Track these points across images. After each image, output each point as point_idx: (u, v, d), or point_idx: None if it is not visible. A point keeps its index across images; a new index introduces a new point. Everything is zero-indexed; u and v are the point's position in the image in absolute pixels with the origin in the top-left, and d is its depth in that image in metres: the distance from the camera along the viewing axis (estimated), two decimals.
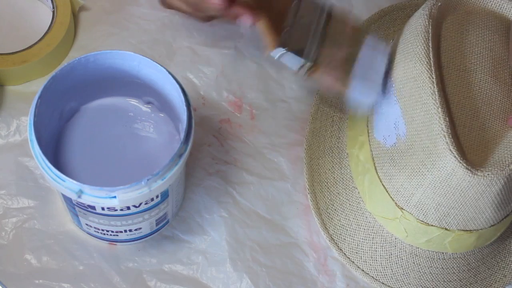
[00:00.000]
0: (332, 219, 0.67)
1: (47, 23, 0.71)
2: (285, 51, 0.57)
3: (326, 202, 0.68)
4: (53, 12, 0.71)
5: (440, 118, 0.57)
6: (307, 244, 0.67)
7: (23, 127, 0.69)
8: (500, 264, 0.67)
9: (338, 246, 0.67)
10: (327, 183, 0.69)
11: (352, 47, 0.61)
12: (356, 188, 0.67)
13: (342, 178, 0.68)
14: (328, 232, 0.67)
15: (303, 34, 0.58)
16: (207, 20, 0.62)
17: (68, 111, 0.62)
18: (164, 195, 0.58)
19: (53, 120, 0.60)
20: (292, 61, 0.57)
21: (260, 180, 0.69)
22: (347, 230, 0.67)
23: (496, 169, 0.56)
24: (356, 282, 0.66)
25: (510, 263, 0.68)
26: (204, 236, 0.66)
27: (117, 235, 0.62)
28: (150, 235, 0.64)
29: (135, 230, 0.61)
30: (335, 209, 0.67)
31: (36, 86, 0.70)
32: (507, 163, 0.57)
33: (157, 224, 0.63)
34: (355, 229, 0.66)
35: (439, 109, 0.57)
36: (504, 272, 0.67)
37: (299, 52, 0.58)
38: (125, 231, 0.61)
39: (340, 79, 0.60)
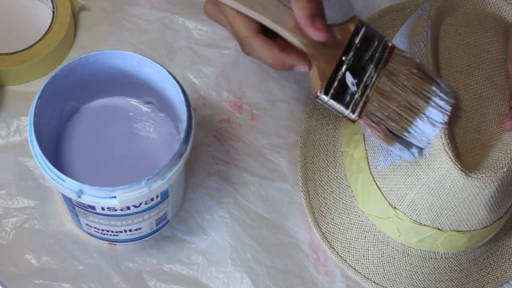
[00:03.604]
0: (325, 217, 0.67)
1: (47, 23, 0.71)
2: (330, 98, 0.53)
3: (319, 200, 0.68)
4: (53, 12, 0.71)
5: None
6: (307, 244, 0.67)
7: (23, 127, 0.69)
8: (492, 266, 0.67)
9: (331, 245, 0.67)
10: (321, 181, 0.69)
11: (415, 95, 0.56)
12: (350, 187, 0.67)
13: (336, 177, 0.68)
14: (321, 230, 0.67)
15: (356, 76, 0.54)
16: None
17: (68, 111, 0.62)
18: (164, 195, 0.58)
19: (53, 120, 0.60)
20: (336, 110, 0.54)
21: (260, 180, 0.69)
22: (339, 228, 0.67)
23: (490, 172, 0.56)
24: (356, 283, 0.66)
25: (502, 264, 0.68)
26: (204, 236, 0.66)
27: (117, 235, 0.62)
28: (150, 235, 0.64)
29: (135, 230, 0.61)
30: (328, 208, 0.67)
31: (36, 86, 0.70)
32: (501, 165, 0.57)
33: (157, 224, 0.63)
34: (348, 228, 0.66)
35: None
36: (496, 273, 0.67)
37: (344, 101, 0.53)
38: (125, 231, 0.61)
39: (384, 133, 0.55)
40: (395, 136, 0.55)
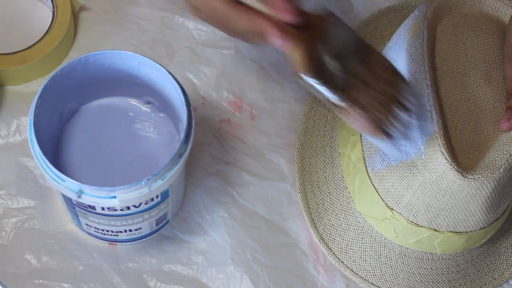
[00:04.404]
0: (322, 218, 0.67)
1: (47, 23, 0.71)
2: (313, 78, 0.51)
3: (316, 202, 0.68)
4: (53, 12, 0.71)
5: (433, 120, 0.57)
6: (307, 244, 0.67)
7: (23, 127, 0.69)
8: (490, 267, 0.67)
9: (328, 246, 0.67)
10: (318, 182, 0.69)
11: (390, 89, 0.54)
12: (347, 188, 0.67)
13: (333, 178, 0.68)
14: (318, 232, 0.67)
15: (336, 61, 0.52)
16: (244, 40, 0.56)
17: (68, 111, 0.62)
18: (164, 195, 0.58)
19: (53, 120, 0.60)
20: (319, 92, 0.52)
21: (260, 180, 0.69)
22: (337, 229, 0.67)
23: (486, 173, 0.57)
24: (356, 283, 0.66)
25: (499, 265, 0.67)
26: (204, 236, 0.66)
27: (117, 235, 0.62)
28: (150, 235, 0.64)
29: (135, 230, 0.61)
30: (326, 209, 0.67)
31: (36, 86, 0.70)
32: (497, 166, 0.57)
33: (157, 224, 0.63)
34: (345, 229, 0.66)
35: (433, 111, 0.57)
36: (493, 274, 0.67)
37: (329, 85, 0.52)
38: (125, 231, 0.61)
39: (373, 121, 0.53)
40: (379, 127, 0.53)
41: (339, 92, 0.52)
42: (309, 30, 0.52)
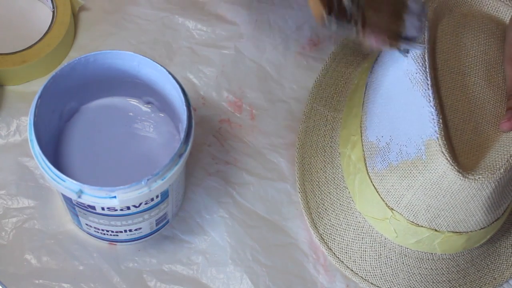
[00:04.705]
0: (322, 218, 0.67)
1: (47, 23, 0.71)
2: (334, 18, 0.57)
3: (316, 201, 0.68)
4: (53, 12, 0.71)
5: (434, 120, 0.57)
6: (307, 244, 0.67)
7: (23, 127, 0.69)
8: (490, 267, 0.67)
9: (328, 246, 0.67)
10: (318, 182, 0.69)
11: (395, 4, 0.61)
12: (347, 188, 0.67)
13: (334, 178, 0.68)
14: (318, 232, 0.67)
15: (349, 3, 0.58)
16: None
17: (68, 111, 0.62)
18: (164, 195, 0.58)
19: (53, 120, 0.60)
20: (342, 30, 0.58)
21: (260, 180, 0.69)
22: (337, 229, 0.67)
23: (487, 173, 0.56)
24: (356, 283, 0.66)
25: (500, 265, 0.67)
26: (204, 236, 0.66)
27: (117, 235, 0.62)
28: (150, 235, 0.64)
29: (135, 230, 0.61)
30: (326, 209, 0.67)
31: (36, 86, 0.70)
32: (498, 167, 0.57)
33: (157, 224, 0.63)
34: (345, 229, 0.66)
35: (433, 111, 0.57)
36: (494, 274, 0.67)
37: (346, 18, 0.58)
38: (125, 231, 0.61)
39: (389, 36, 0.60)
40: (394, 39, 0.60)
41: (354, 22, 0.58)
42: None
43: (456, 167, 0.56)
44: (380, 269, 0.65)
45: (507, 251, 0.68)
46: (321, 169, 0.69)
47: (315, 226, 0.67)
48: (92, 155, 0.61)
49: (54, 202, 0.66)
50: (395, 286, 0.65)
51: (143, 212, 0.58)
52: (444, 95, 0.61)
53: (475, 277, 0.66)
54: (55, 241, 0.65)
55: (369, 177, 0.63)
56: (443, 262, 0.65)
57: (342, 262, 0.66)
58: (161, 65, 0.58)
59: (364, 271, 0.66)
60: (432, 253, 0.64)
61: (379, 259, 0.65)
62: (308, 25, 0.76)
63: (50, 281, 0.63)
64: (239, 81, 0.73)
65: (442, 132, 0.57)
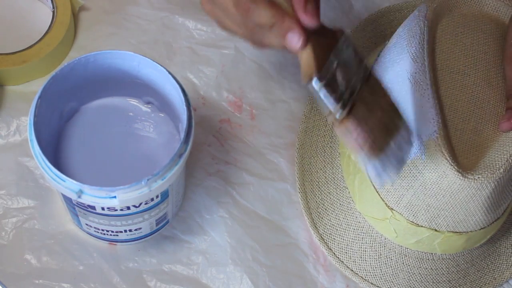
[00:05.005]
0: (322, 218, 0.67)
1: (47, 23, 0.71)
2: (323, 85, 0.50)
3: (316, 202, 0.68)
4: (53, 12, 0.71)
5: (433, 120, 0.57)
6: (307, 244, 0.67)
7: (23, 127, 0.69)
8: (490, 267, 0.67)
9: (328, 246, 0.67)
10: (318, 182, 0.69)
11: (387, 117, 0.54)
12: (347, 188, 0.67)
13: (334, 178, 0.68)
14: (318, 232, 0.67)
15: (344, 78, 0.52)
16: (256, 43, 0.55)
17: (68, 111, 0.62)
18: (164, 195, 0.58)
19: (53, 120, 0.60)
20: (326, 101, 0.51)
21: (260, 180, 0.69)
22: (337, 230, 0.67)
23: (486, 173, 0.57)
24: (356, 283, 0.66)
25: (500, 265, 0.67)
26: (204, 236, 0.66)
27: (117, 235, 0.62)
28: (150, 235, 0.64)
29: (135, 230, 0.61)
30: (326, 209, 0.67)
31: (36, 86, 0.70)
32: (497, 166, 0.57)
33: (157, 224, 0.63)
34: (345, 229, 0.66)
35: (433, 111, 0.57)
36: (494, 274, 0.67)
37: (335, 94, 0.51)
38: (125, 231, 0.61)
39: (369, 142, 0.52)
40: (373, 149, 0.52)
41: (343, 104, 0.51)
42: (322, 40, 0.52)
43: (455, 167, 0.56)
44: (380, 269, 0.65)
45: (507, 251, 0.68)
46: (321, 169, 0.69)
47: (315, 226, 0.67)
48: (92, 155, 0.61)
49: (54, 202, 0.66)
50: (395, 286, 0.65)
51: (143, 212, 0.58)
52: (444, 95, 0.61)
53: (475, 277, 0.67)
54: (55, 241, 0.65)
55: (369, 177, 0.63)
56: (443, 262, 0.65)
57: (342, 262, 0.66)
58: (161, 65, 0.58)
59: (364, 271, 0.66)
60: (432, 253, 0.64)
61: (379, 259, 0.65)
62: None
63: (50, 281, 0.63)
64: (239, 81, 0.73)
65: (442, 132, 0.57)
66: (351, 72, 0.52)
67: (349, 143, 0.52)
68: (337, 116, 0.51)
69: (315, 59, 0.50)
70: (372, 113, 0.53)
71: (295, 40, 0.50)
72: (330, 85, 0.50)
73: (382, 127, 0.53)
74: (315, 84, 0.50)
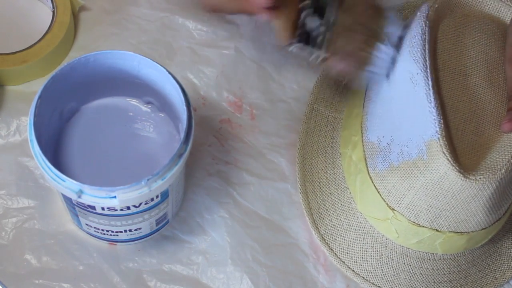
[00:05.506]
0: (323, 219, 0.67)
1: (47, 23, 0.71)
2: (298, 44, 0.58)
3: (317, 202, 0.68)
4: (53, 12, 0.71)
5: (435, 121, 0.57)
6: (307, 244, 0.67)
7: (23, 127, 0.69)
8: (491, 267, 0.67)
9: (329, 246, 0.67)
10: (319, 183, 0.69)
11: (372, 25, 0.61)
12: (348, 189, 0.67)
13: (335, 178, 0.68)
14: (319, 232, 0.67)
15: (317, 21, 0.59)
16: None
17: (68, 111, 0.62)
18: (164, 195, 0.58)
19: (53, 120, 0.60)
20: (306, 52, 0.58)
21: (260, 180, 0.69)
22: (338, 230, 0.67)
23: (488, 173, 0.56)
24: (356, 283, 0.66)
25: (501, 265, 0.67)
26: (204, 236, 0.66)
27: (117, 235, 0.62)
28: (150, 235, 0.64)
29: (135, 230, 0.61)
30: (327, 209, 0.67)
31: (36, 86, 0.70)
32: (499, 167, 0.57)
33: (157, 224, 0.63)
34: (346, 230, 0.66)
35: (434, 111, 0.57)
36: (495, 274, 0.67)
37: (312, 42, 0.58)
38: (125, 231, 0.61)
39: (355, 64, 0.60)
40: (360, 67, 0.60)
41: (318, 48, 0.59)
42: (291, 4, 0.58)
43: (457, 168, 0.56)
44: (382, 270, 0.65)
45: (509, 251, 0.68)
46: (322, 169, 0.69)
47: (317, 227, 0.67)
48: (92, 155, 0.61)
49: (54, 202, 0.66)
50: (396, 286, 0.65)
51: (143, 212, 0.58)
52: (445, 95, 0.61)
53: (476, 277, 0.66)
54: (55, 241, 0.65)
55: (370, 177, 0.63)
56: (445, 262, 0.65)
57: (344, 262, 0.66)
58: (161, 65, 0.58)
59: (366, 271, 0.66)
60: (433, 253, 0.64)
61: (381, 259, 0.65)
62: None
63: (50, 281, 0.63)
64: (239, 81, 0.73)
65: (444, 133, 0.57)
66: (325, 5, 0.59)
67: (337, 74, 0.61)
68: (319, 59, 0.58)
69: (284, 23, 0.57)
70: (352, 35, 0.60)
71: (264, 18, 0.57)
72: (305, 38, 0.58)
73: (364, 43, 0.60)
74: (293, 46, 0.58)
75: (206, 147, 0.70)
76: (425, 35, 0.61)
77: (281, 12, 0.57)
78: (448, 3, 0.65)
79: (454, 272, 0.65)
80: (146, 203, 0.56)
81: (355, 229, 0.66)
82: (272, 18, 0.57)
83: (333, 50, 0.59)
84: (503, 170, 0.57)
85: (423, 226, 0.61)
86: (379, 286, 0.66)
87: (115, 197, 0.53)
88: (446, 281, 0.65)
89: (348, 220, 0.66)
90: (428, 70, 0.59)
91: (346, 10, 0.59)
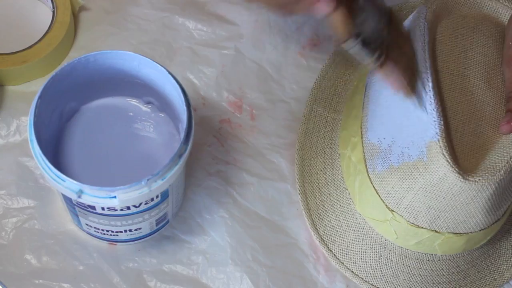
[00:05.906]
0: (322, 220, 0.67)
1: (47, 23, 0.71)
2: (358, 42, 0.56)
3: (317, 203, 0.68)
4: (53, 12, 0.71)
5: (435, 123, 0.57)
6: (307, 244, 0.67)
7: (23, 127, 0.69)
8: (490, 268, 0.67)
9: (328, 247, 0.67)
10: (318, 183, 0.69)
11: (414, 58, 0.61)
12: (347, 189, 0.67)
13: (334, 179, 0.68)
14: (318, 233, 0.67)
15: (372, 28, 0.57)
16: (284, 12, 0.60)
17: (68, 111, 0.62)
18: (164, 195, 0.58)
19: (53, 120, 0.60)
20: (363, 53, 0.57)
21: (260, 180, 0.69)
22: (337, 231, 0.67)
23: (487, 175, 0.56)
24: (356, 283, 0.66)
25: (500, 266, 0.67)
26: (204, 236, 0.66)
27: (117, 235, 0.62)
28: (150, 235, 0.64)
29: (135, 230, 0.61)
30: (326, 210, 0.67)
31: (36, 86, 0.70)
32: (498, 168, 0.57)
33: (157, 224, 0.63)
34: (345, 230, 0.66)
35: (435, 113, 0.57)
36: (494, 275, 0.67)
37: (371, 44, 0.57)
38: (125, 231, 0.61)
39: (407, 77, 0.59)
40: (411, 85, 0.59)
41: (379, 53, 0.57)
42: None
43: (456, 169, 0.56)
44: (381, 270, 0.65)
45: (507, 252, 0.68)
46: (321, 170, 0.69)
47: (315, 228, 0.67)
48: (92, 155, 0.61)
49: (54, 202, 0.66)
50: (395, 287, 0.65)
51: (143, 212, 0.58)
52: (444, 97, 0.61)
53: (475, 278, 0.66)
54: (55, 241, 0.65)
55: (370, 178, 0.63)
56: (444, 263, 0.65)
57: (343, 263, 0.66)
58: (161, 65, 0.58)
59: (365, 272, 0.66)
60: (432, 254, 0.64)
61: (380, 260, 0.65)
62: (308, 25, 0.76)
63: (50, 281, 0.63)
64: (239, 81, 0.73)
65: (443, 134, 0.57)
66: (377, 21, 0.57)
67: (389, 85, 0.59)
68: (376, 64, 0.57)
69: (344, 18, 0.55)
70: (403, 54, 0.60)
71: (323, 10, 0.54)
72: (364, 39, 0.56)
73: (412, 68, 0.60)
74: (352, 42, 0.56)
75: (206, 147, 0.70)
76: (425, 36, 0.61)
77: (341, 4, 0.55)
78: (445, 4, 0.65)
79: (453, 273, 0.65)
80: (146, 203, 0.56)
81: (354, 230, 0.66)
82: (332, 10, 0.55)
83: (390, 59, 0.58)
84: (502, 172, 0.57)
85: (422, 227, 0.61)
86: (378, 287, 0.66)
87: (115, 197, 0.53)
88: (445, 281, 0.65)
89: (347, 221, 0.66)
90: (428, 71, 0.59)
91: (394, 28, 0.59)
